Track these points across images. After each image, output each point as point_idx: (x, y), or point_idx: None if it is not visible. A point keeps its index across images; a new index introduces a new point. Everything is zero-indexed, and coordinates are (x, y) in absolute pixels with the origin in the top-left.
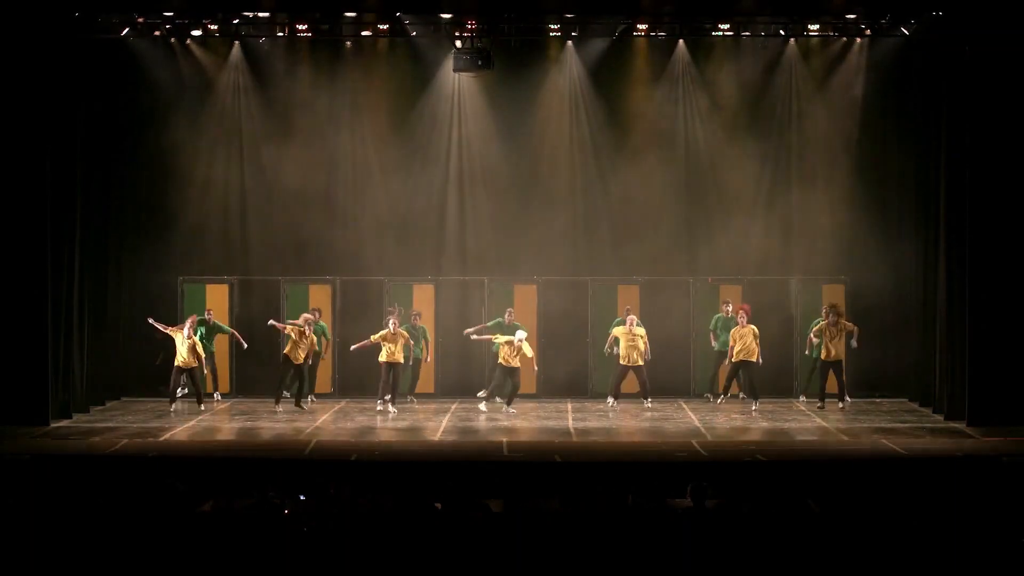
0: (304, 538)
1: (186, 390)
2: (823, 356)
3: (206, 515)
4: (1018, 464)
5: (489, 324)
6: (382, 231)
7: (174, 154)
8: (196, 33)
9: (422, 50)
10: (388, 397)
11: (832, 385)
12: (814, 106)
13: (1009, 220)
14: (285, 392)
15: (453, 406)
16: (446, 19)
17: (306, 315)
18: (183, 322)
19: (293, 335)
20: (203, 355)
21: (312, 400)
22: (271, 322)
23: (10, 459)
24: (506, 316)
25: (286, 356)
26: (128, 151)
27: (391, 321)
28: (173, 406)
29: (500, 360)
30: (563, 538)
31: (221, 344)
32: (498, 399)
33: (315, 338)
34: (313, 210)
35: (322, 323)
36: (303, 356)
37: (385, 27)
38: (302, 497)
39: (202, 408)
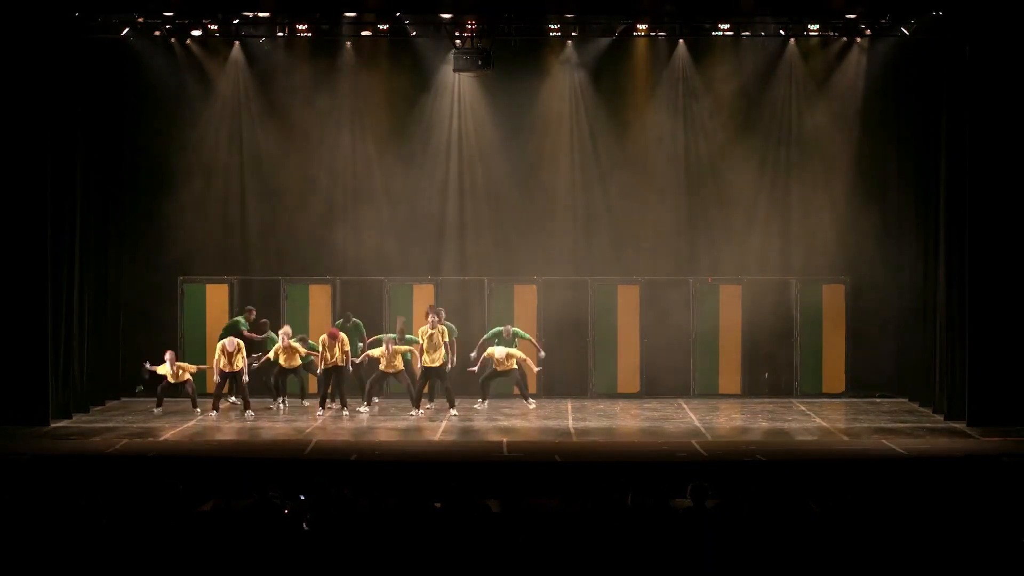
0: (304, 538)
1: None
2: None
3: (206, 515)
4: (1018, 464)
5: (486, 336)
6: (382, 231)
7: (174, 154)
8: (196, 33)
9: (422, 50)
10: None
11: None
12: (814, 106)
13: (1009, 220)
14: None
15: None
16: (446, 19)
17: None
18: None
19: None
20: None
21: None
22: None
23: (10, 459)
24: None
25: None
26: (128, 151)
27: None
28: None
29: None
30: (563, 538)
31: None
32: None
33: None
34: (313, 210)
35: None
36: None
37: (385, 27)
38: (302, 497)
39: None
